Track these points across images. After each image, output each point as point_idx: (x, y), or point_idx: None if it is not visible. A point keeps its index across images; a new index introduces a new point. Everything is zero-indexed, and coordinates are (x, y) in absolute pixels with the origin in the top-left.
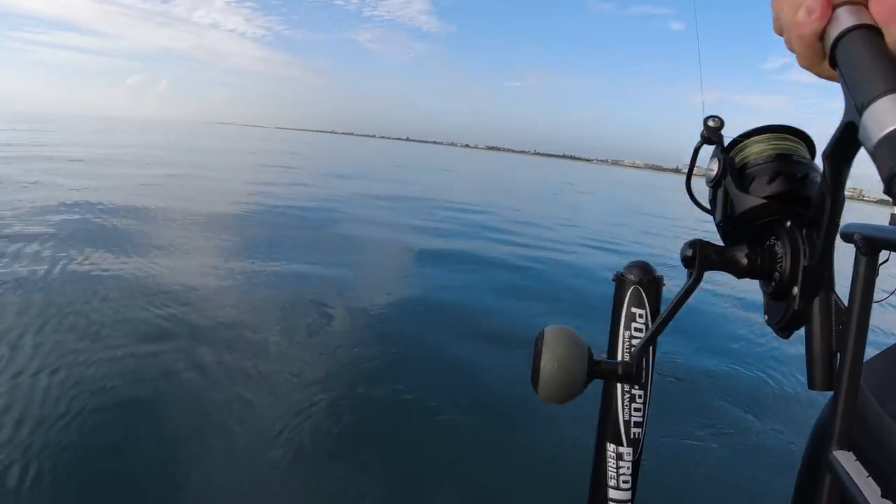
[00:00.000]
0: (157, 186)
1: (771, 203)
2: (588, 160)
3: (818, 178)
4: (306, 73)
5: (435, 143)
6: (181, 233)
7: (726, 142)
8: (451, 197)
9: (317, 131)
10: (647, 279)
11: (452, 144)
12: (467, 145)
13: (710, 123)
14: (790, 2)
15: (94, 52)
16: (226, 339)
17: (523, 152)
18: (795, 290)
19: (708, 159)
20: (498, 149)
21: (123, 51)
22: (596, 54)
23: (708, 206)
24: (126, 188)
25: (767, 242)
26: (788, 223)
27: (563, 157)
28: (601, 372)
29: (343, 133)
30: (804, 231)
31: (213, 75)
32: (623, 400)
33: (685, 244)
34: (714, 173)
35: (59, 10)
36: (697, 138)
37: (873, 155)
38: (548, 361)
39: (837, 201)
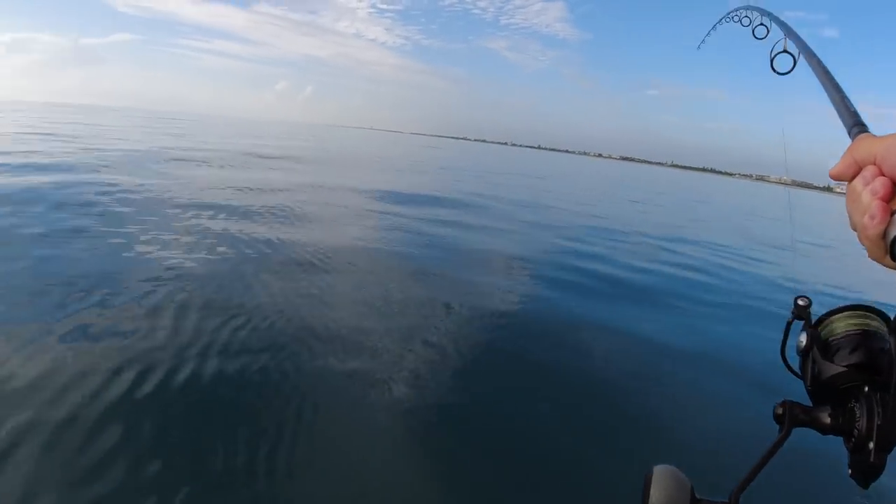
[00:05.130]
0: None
1: (851, 371)
2: (730, 174)
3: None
4: (442, 81)
5: (567, 151)
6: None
7: (814, 317)
8: None
9: (450, 137)
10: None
11: (584, 154)
12: (600, 155)
13: (800, 303)
14: (857, 208)
15: (246, 58)
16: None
17: (660, 164)
18: (871, 445)
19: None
20: (632, 159)
21: (272, 58)
22: (740, 64)
23: (799, 372)
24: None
25: (849, 404)
26: (866, 388)
27: (703, 170)
28: None
29: (476, 140)
30: (878, 395)
31: (354, 82)
32: None
33: (777, 404)
34: (803, 345)
35: (216, 20)
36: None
37: None
38: (654, 499)
39: None
